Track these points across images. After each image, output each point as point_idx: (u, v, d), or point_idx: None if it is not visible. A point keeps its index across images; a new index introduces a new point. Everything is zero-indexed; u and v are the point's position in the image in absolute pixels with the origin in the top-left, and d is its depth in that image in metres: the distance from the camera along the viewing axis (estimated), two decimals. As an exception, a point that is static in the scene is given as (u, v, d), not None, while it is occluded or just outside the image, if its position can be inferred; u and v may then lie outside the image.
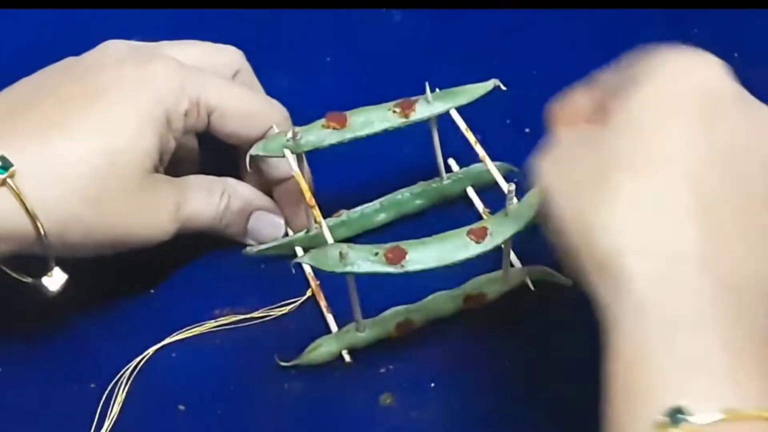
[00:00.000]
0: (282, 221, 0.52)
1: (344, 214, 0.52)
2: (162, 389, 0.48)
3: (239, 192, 0.51)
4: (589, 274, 0.36)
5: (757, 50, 0.61)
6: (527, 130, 0.57)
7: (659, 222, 0.35)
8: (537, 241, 0.49)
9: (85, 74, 0.47)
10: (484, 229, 0.45)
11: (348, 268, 0.44)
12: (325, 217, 0.49)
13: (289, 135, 0.48)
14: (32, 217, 0.43)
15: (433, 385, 0.48)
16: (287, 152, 0.48)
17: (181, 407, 0.48)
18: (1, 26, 0.65)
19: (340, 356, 0.49)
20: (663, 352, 0.33)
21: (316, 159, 0.51)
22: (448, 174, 0.54)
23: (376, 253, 0.44)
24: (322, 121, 0.49)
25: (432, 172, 0.54)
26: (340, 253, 0.43)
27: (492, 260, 0.49)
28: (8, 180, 0.43)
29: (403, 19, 0.65)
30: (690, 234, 0.35)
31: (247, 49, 0.63)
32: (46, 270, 0.46)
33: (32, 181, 0.43)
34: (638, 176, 0.36)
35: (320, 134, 0.49)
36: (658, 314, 0.34)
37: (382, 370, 0.48)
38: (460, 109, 0.50)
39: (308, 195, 0.47)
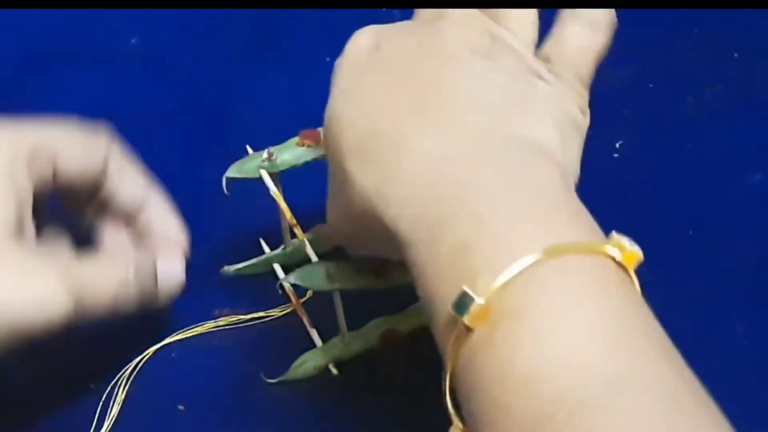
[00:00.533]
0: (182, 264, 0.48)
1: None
2: (162, 389, 0.48)
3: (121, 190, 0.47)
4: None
5: (757, 50, 0.61)
6: (527, 130, 0.57)
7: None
8: None
9: None
10: None
11: (336, 285, 0.44)
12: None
13: (265, 155, 0.48)
14: None
15: (431, 385, 0.48)
16: (264, 173, 0.48)
17: (181, 407, 0.48)
18: (1, 26, 0.64)
19: (327, 369, 0.49)
20: (430, 258, 0.34)
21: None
22: None
23: (362, 270, 0.44)
24: (296, 139, 0.48)
25: None
26: (326, 272, 0.44)
27: None
28: None
29: (402, 19, 0.65)
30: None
31: (247, 49, 0.64)
32: None
33: None
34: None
35: (295, 152, 0.48)
36: (424, 226, 0.35)
37: (382, 371, 0.48)
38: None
39: (288, 215, 0.47)
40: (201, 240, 0.51)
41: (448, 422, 0.35)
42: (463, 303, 0.32)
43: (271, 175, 0.48)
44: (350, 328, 0.48)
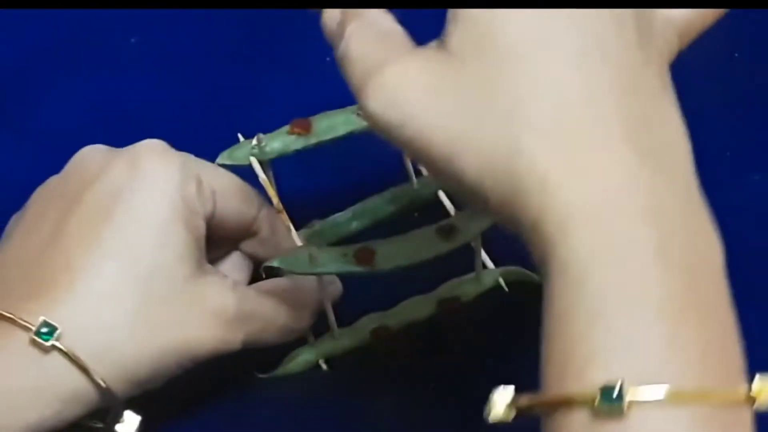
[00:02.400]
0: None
1: (317, 225, 0.52)
2: (161, 389, 0.48)
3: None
4: (504, 210, 0.32)
5: (757, 50, 0.61)
6: (527, 130, 0.57)
7: (582, 139, 0.31)
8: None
9: (77, 199, 0.43)
10: (453, 226, 0.45)
11: (318, 269, 0.44)
12: (297, 228, 0.49)
13: (254, 142, 0.48)
14: (89, 375, 0.40)
15: (432, 385, 0.48)
16: (253, 160, 0.48)
17: (181, 407, 0.48)
18: (1, 26, 0.65)
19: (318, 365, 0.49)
20: (597, 326, 0.30)
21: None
22: (418, 178, 0.53)
23: (345, 254, 0.44)
24: (287, 127, 0.49)
25: (403, 177, 0.53)
26: (310, 255, 0.43)
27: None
28: (56, 344, 0.40)
29: (403, 19, 0.65)
30: (625, 161, 0.31)
31: (248, 49, 0.64)
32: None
33: (78, 335, 0.40)
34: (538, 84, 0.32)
35: (285, 140, 0.48)
36: (594, 280, 0.30)
37: (381, 371, 0.49)
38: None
39: (276, 200, 0.47)
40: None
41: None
42: (611, 394, 0.29)
43: (261, 163, 0.48)
44: (342, 324, 0.48)
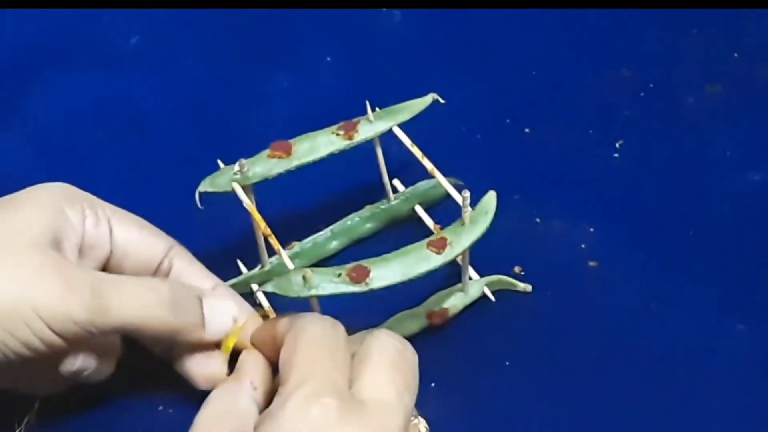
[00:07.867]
0: (233, 308, 0.46)
1: (296, 246, 0.52)
2: (146, 392, 0.48)
3: (186, 281, 0.46)
4: None
5: (757, 50, 0.61)
6: (527, 129, 0.57)
7: None
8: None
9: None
10: (444, 239, 0.45)
11: (313, 292, 0.43)
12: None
13: (236, 168, 0.47)
14: None
15: (433, 384, 0.48)
16: (236, 186, 0.47)
17: (170, 411, 0.48)
18: (1, 26, 0.65)
19: None
20: None
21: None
22: (395, 194, 0.53)
23: (339, 274, 0.43)
24: (267, 151, 0.48)
25: (380, 193, 0.53)
26: (304, 277, 0.43)
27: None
28: None
29: (403, 19, 0.65)
30: None
31: (247, 49, 0.64)
32: None
33: None
34: None
35: (267, 165, 0.48)
36: None
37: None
38: (454, 116, 0.49)
39: (263, 225, 0.47)
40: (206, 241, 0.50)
41: None
42: None
43: (244, 188, 0.47)
44: None
